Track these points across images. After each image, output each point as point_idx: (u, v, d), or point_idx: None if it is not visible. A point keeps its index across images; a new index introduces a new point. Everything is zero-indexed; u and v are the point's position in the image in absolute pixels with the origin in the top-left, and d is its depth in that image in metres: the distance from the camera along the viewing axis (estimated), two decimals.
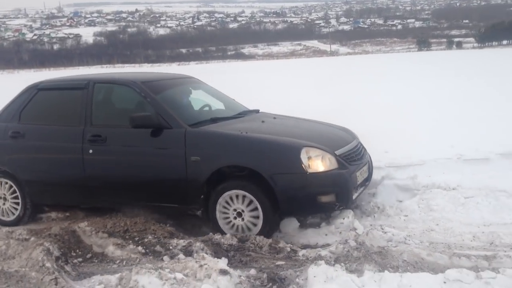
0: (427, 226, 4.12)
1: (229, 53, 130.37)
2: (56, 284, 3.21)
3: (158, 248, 4.00)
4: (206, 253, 3.68)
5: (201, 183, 4.23)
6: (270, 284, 3.28)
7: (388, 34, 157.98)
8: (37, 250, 3.65)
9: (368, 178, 4.73)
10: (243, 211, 4.19)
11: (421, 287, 2.88)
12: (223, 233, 4.20)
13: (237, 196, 4.18)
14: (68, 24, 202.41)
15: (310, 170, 4.02)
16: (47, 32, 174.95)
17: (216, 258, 3.53)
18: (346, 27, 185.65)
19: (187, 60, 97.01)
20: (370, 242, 3.83)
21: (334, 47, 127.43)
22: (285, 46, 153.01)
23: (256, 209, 4.13)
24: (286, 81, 20.53)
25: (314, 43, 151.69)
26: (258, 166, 4.07)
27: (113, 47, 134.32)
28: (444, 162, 5.82)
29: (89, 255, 4.01)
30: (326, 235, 4.27)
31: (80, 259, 3.92)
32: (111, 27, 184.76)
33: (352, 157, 4.44)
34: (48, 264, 3.47)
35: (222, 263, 3.44)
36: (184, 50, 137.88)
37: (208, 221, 4.41)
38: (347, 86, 16.76)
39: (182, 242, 4.03)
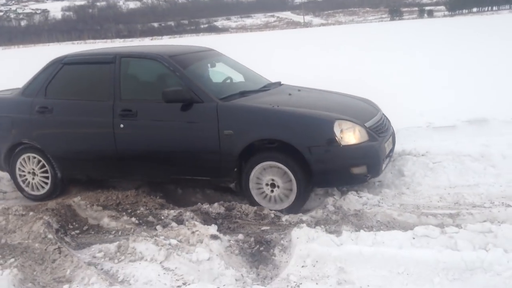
0: (399, 190, 4.47)
1: (202, 26, 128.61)
2: (60, 253, 3.46)
3: (150, 218, 4.27)
4: (196, 221, 3.96)
5: (235, 156, 4.30)
6: (257, 246, 3.58)
7: (360, 4, 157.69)
8: (38, 223, 3.88)
9: (392, 149, 4.82)
10: (278, 185, 4.29)
11: (392, 243, 3.21)
12: (257, 204, 4.35)
13: (269, 168, 4.28)
14: None
15: (343, 143, 4.11)
16: (13, 8, 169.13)
17: (206, 225, 3.82)
18: None
19: (159, 35, 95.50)
20: (347, 206, 4.17)
21: (308, 18, 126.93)
22: (259, 18, 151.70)
23: (289, 180, 4.23)
24: (275, 53, 20.65)
25: (288, 15, 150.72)
26: (292, 139, 4.15)
27: (83, 22, 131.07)
28: (415, 130, 6.19)
29: (85, 227, 4.24)
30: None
31: (77, 231, 4.16)
32: (79, 2, 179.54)
33: (379, 128, 4.54)
34: (50, 236, 3.71)
35: (212, 229, 3.73)
36: (156, 24, 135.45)
37: (240, 193, 4.57)
38: (327, 58, 16.99)
39: (173, 212, 4.30)
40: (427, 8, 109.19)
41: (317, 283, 2.90)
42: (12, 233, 3.98)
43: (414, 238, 3.26)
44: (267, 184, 4.34)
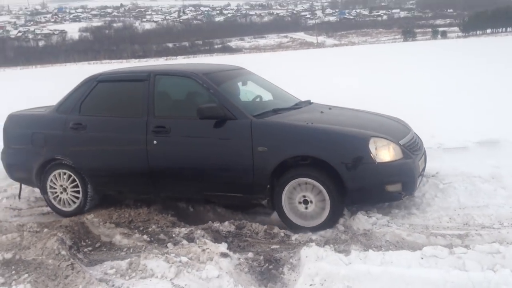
0: (408, 211, 4.47)
1: (216, 46, 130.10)
2: (72, 269, 3.52)
3: (162, 236, 4.33)
4: (207, 239, 4.01)
5: (268, 173, 4.33)
6: (267, 264, 3.62)
7: (373, 25, 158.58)
8: (52, 240, 3.96)
9: (424, 168, 4.79)
10: (311, 200, 4.28)
11: (401, 263, 3.23)
12: (289, 222, 4.36)
13: (304, 185, 4.27)
14: (52, 20, 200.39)
15: (378, 160, 4.13)
16: (31, 28, 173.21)
17: (216, 243, 3.87)
18: (332, 18, 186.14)
19: (174, 55, 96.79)
20: (357, 226, 4.20)
21: (321, 38, 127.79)
22: (272, 39, 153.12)
23: (322, 198, 4.22)
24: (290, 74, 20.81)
25: (301, 35, 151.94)
26: (327, 156, 4.16)
27: (99, 43, 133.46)
28: (426, 151, 6.19)
29: (98, 244, 4.31)
30: None
31: (90, 248, 4.23)
32: (96, 23, 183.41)
33: (413, 146, 4.56)
34: (63, 252, 3.79)
35: (223, 247, 3.78)
36: (170, 45, 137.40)
37: (272, 211, 4.58)
38: (348, 78, 17.10)
39: (184, 230, 4.35)
40: (441, 29, 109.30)
41: None
42: (26, 249, 4.05)
43: (422, 258, 3.28)
44: (299, 202, 4.33)
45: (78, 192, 5.13)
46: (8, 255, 3.88)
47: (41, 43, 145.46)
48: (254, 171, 4.38)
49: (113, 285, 3.42)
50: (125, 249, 4.17)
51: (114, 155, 4.92)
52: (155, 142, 4.69)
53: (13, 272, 3.65)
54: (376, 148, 4.16)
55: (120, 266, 3.66)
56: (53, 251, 3.82)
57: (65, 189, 5.18)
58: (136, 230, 4.49)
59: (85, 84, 5.22)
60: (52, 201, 5.26)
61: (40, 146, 5.19)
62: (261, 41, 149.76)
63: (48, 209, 5.44)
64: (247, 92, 5.35)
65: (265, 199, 4.47)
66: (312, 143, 4.25)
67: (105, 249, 4.23)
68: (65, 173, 5.15)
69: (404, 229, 3.99)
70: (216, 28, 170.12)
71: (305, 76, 18.93)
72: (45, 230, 4.34)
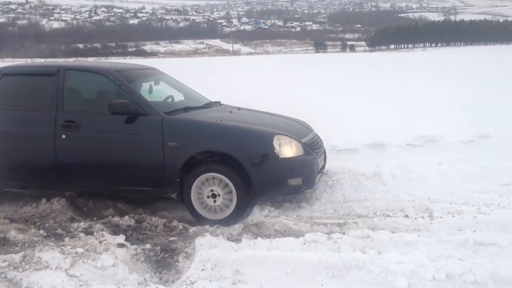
0: (298, 204, 4.86)
1: (129, 49, 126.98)
2: None
3: (59, 231, 4.34)
4: (105, 232, 4.10)
5: (178, 167, 4.48)
6: (163, 254, 3.80)
7: (287, 36, 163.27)
8: None
9: (324, 166, 5.22)
10: (218, 194, 4.48)
11: (285, 248, 3.56)
12: (197, 215, 4.54)
13: (212, 179, 4.47)
14: None
15: (281, 156, 4.42)
16: None
17: (114, 235, 3.98)
18: (248, 27, 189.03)
19: (84, 56, 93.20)
20: (250, 218, 4.51)
21: (236, 46, 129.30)
22: (188, 44, 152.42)
23: (229, 192, 4.44)
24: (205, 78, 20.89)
25: (217, 42, 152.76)
26: (234, 152, 4.39)
27: (2, 40, 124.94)
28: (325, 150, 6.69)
29: None
30: None
31: None
32: None
33: (313, 145, 4.92)
34: None
35: (120, 238, 3.92)
36: (81, 45, 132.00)
37: (182, 203, 4.68)
38: (261, 84, 17.56)
39: (83, 225, 4.40)
40: (349, 43, 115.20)
41: (210, 281, 3.16)
42: None
43: (304, 244, 3.64)
44: (208, 196, 4.53)
45: None
46: None
47: None
48: (165, 166, 4.53)
49: (5, 277, 3.41)
50: (20, 244, 4.13)
51: (20, 149, 4.85)
52: (63, 136, 4.71)
53: None
54: (279, 145, 4.48)
55: (13, 259, 3.63)
56: None
57: None
58: (32, 226, 4.45)
59: None
60: None
61: None
62: (177, 46, 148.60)
63: None
64: (159, 92, 5.52)
65: (175, 193, 4.62)
66: (221, 139, 4.50)
67: None
68: None
69: (291, 219, 4.35)
70: (130, 31, 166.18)
71: (219, 81, 19.21)
72: None
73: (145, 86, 5.31)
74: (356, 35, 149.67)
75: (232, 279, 3.27)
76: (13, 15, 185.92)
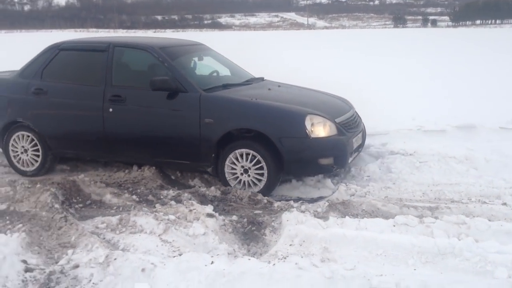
0: (385, 185, 4.73)
1: (205, 22, 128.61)
2: (66, 221, 3.72)
3: (150, 197, 4.52)
4: (194, 201, 4.22)
5: (214, 143, 4.65)
6: (250, 226, 3.85)
7: (365, 9, 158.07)
8: (45, 194, 4.14)
9: (361, 145, 5.20)
10: (249, 168, 4.61)
11: (374, 228, 3.49)
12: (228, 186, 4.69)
13: (245, 155, 4.59)
14: None
15: (312, 135, 4.46)
16: None
17: (203, 205, 4.09)
18: (324, 0, 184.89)
19: (163, 28, 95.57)
20: (336, 196, 4.45)
21: (311, 20, 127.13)
22: (262, 17, 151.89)
23: (261, 167, 4.57)
24: (276, 52, 20.92)
25: (292, 15, 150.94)
26: (266, 130, 4.49)
27: (86, 11, 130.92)
28: (406, 132, 6.49)
29: (88, 202, 4.48)
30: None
31: (81, 205, 4.40)
32: None
33: (349, 125, 4.89)
34: (56, 206, 3.98)
35: (209, 209, 4.01)
36: (159, 17, 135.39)
37: (217, 177, 4.86)
38: (328, 61, 17.28)
39: (172, 193, 4.55)
40: (431, 17, 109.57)
41: (301, 257, 3.16)
42: (19, 202, 4.22)
43: (394, 226, 3.54)
44: (242, 168, 4.65)
45: (38, 152, 5.34)
46: (3, 206, 4.06)
47: (26, 8, 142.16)
48: (201, 141, 4.70)
49: (104, 238, 3.62)
50: (114, 208, 4.36)
51: (73, 120, 5.17)
52: (111, 110, 4.95)
53: (8, 222, 3.84)
54: (312, 124, 4.49)
55: (110, 222, 3.85)
56: (47, 204, 4.01)
57: (26, 150, 5.38)
58: (126, 191, 4.67)
59: (47, 51, 5.44)
60: (14, 161, 5.45)
61: (3, 108, 5.38)
62: (252, 19, 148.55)
63: None
64: (205, 67, 5.62)
65: (210, 167, 4.80)
66: (254, 118, 4.59)
67: (95, 207, 4.40)
68: (28, 136, 5.34)
69: (379, 200, 4.25)
70: (206, 3, 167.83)
71: (291, 57, 19.09)
72: (38, 185, 4.49)
73: (189, 62, 5.41)
74: (439, 9, 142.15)
75: (320, 256, 3.25)
76: None
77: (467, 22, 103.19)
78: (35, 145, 5.33)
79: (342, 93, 5.89)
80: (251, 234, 3.76)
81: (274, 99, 4.89)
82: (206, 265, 2.95)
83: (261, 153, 4.53)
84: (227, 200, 4.49)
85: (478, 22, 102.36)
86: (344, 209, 4.08)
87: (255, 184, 4.64)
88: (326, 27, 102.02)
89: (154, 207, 4.24)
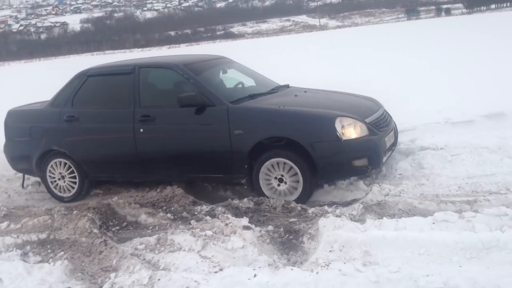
0: (419, 182, 4.66)
1: (218, 33, 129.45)
2: (105, 245, 3.77)
3: (184, 214, 4.55)
4: (228, 215, 4.23)
5: (245, 154, 4.67)
6: (287, 235, 3.84)
7: (376, 5, 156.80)
8: (83, 220, 4.21)
9: (394, 143, 5.17)
10: (283, 176, 4.61)
11: (414, 228, 3.44)
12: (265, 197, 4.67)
13: (278, 164, 4.60)
14: (53, 12, 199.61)
15: (344, 138, 4.43)
16: (33, 22, 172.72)
17: (238, 218, 4.10)
18: (334, 0, 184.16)
19: (176, 43, 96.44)
20: (370, 197, 4.41)
21: (323, 21, 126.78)
22: (274, 23, 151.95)
23: (295, 175, 4.56)
24: (293, 57, 20.94)
25: (303, 18, 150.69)
26: (297, 136, 4.49)
27: (101, 34, 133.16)
28: (433, 126, 6.40)
29: (124, 224, 4.54)
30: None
31: (117, 227, 4.46)
32: (97, 13, 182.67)
33: (380, 124, 4.86)
34: (95, 230, 4.04)
35: (244, 221, 4.02)
36: (172, 33, 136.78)
37: (252, 188, 4.88)
38: (345, 59, 17.21)
39: (205, 208, 4.58)
40: (445, 6, 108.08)
41: (344, 263, 3.13)
42: (58, 230, 4.30)
43: (434, 223, 3.49)
44: (275, 178, 4.66)
45: (75, 179, 5.46)
46: (43, 236, 4.13)
47: (43, 36, 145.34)
48: (232, 153, 4.72)
49: (144, 259, 3.66)
50: (151, 227, 4.40)
51: (105, 143, 5.28)
52: (141, 130, 5.04)
53: (49, 250, 3.92)
54: (342, 127, 4.47)
55: (149, 242, 3.90)
56: (85, 230, 4.07)
57: (63, 177, 5.51)
58: (160, 209, 4.72)
59: (76, 79, 5.57)
60: (52, 188, 5.59)
61: (38, 138, 5.53)
62: (263, 26, 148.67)
63: None
64: (230, 79, 5.65)
65: (244, 178, 4.85)
66: (283, 125, 4.59)
67: (132, 228, 4.46)
68: (66, 163, 5.47)
69: (415, 198, 4.19)
70: (217, 14, 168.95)
71: (308, 61, 19.05)
72: (75, 212, 4.58)
73: (213, 76, 5.44)
74: None
75: (362, 260, 3.22)
76: (110, 9, 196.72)
77: (482, 8, 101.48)
78: (72, 172, 5.45)
79: (365, 92, 5.84)
80: (289, 243, 3.75)
81: (301, 105, 4.88)
82: (249, 279, 2.95)
83: (294, 161, 4.52)
84: (261, 211, 4.49)
85: (493, 6, 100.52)
86: (380, 210, 4.04)
87: (291, 193, 4.63)
88: (338, 26, 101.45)
89: (190, 223, 4.27)
